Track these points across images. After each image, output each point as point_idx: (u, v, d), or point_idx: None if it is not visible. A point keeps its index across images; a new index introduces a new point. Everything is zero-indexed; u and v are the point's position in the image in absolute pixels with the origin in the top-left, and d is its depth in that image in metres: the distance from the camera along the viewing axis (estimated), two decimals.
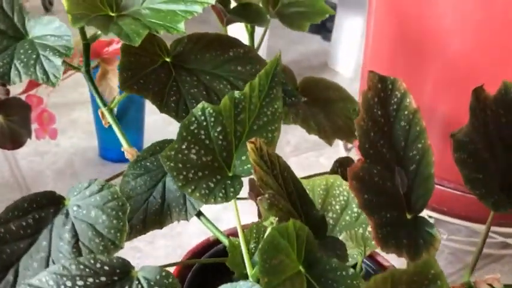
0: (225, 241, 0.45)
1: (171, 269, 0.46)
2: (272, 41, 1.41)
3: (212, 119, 0.41)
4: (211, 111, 0.41)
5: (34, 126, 0.85)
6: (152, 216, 0.48)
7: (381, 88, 0.42)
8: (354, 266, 0.47)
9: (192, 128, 0.40)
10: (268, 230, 0.35)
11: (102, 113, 0.52)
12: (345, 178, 0.58)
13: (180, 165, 0.39)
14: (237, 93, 0.42)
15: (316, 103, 0.57)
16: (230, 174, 0.41)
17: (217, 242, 0.51)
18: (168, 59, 0.50)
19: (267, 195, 0.38)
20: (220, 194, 0.39)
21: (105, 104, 0.51)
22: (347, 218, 0.51)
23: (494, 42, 0.69)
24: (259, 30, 0.59)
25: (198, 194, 0.38)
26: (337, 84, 0.59)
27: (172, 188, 0.48)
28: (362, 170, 0.38)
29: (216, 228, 0.48)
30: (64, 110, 1.22)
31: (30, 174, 1.00)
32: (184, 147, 0.39)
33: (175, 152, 0.39)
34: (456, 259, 0.89)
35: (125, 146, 0.51)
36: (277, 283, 0.32)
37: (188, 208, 0.48)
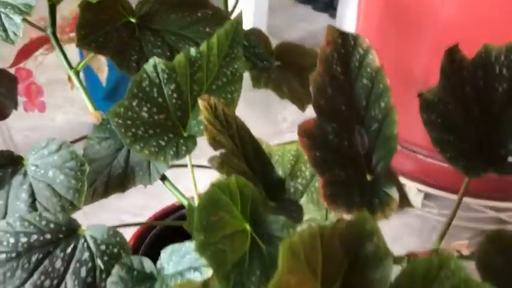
0: (185, 202, 0.44)
1: (132, 231, 0.45)
2: (275, 19, 1.39)
3: (165, 76, 0.40)
4: (163, 67, 0.39)
5: (23, 99, 0.85)
6: (115, 179, 0.47)
7: (342, 44, 0.40)
8: None
9: (143, 85, 0.39)
10: None
11: (69, 76, 0.51)
12: None
13: (129, 122, 0.38)
14: (193, 50, 0.41)
15: (291, 69, 0.56)
16: (185, 134, 0.40)
17: (182, 207, 0.50)
18: (133, 20, 0.48)
19: (219, 153, 0.37)
20: (171, 152, 0.38)
21: (71, 67, 0.51)
22: (316, 184, 0.49)
23: (482, 8, 0.67)
24: None
25: (147, 152, 0.37)
26: (314, 51, 0.58)
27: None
28: (315, 127, 0.37)
29: (179, 192, 0.47)
30: (60, 86, 1.22)
31: (25, 148, 1.00)
32: (135, 104, 0.38)
33: (125, 109, 0.38)
34: (449, 235, 0.87)
35: (90, 108, 0.50)
36: (214, 241, 0.31)
37: (152, 172, 0.47)
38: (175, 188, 0.47)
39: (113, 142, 0.48)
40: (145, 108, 0.39)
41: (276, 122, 1.16)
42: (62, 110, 1.14)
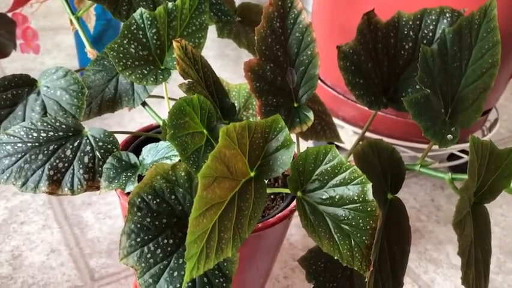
0: (160, 121, 0.59)
1: (119, 138, 0.60)
2: None
3: (148, 22, 0.53)
4: (147, 15, 0.53)
5: (19, 41, 0.97)
6: (107, 102, 0.61)
7: (281, 5, 0.54)
8: None
9: (132, 28, 0.53)
10: None
11: (70, 20, 0.64)
12: None
13: (121, 55, 0.52)
14: (170, 4, 0.54)
15: (249, 24, 0.69)
16: (162, 67, 0.54)
17: (158, 126, 0.65)
18: None
19: (186, 82, 0.51)
20: (152, 79, 0.52)
21: (73, 12, 0.63)
22: None
23: None
24: None
25: (133, 77, 0.51)
26: None
27: (124, 82, 0.61)
28: (257, 65, 0.51)
29: (156, 114, 0.61)
30: (50, 34, 1.33)
31: None
32: (125, 42, 0.52)
33: (118, 45, 0.52)
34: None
35: (87, 47, 0.63)
36: (180, 135, 0.46)
37: (135, 98, 0.61)
38: (153, 111, 0.61)
39: (105, 74, 0.62)
40: (133, 46, 0.53)
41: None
42: (51, 55, 1.25)
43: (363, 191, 0.44)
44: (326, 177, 0.44)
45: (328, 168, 0.44)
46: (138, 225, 0.43)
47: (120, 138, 0.61)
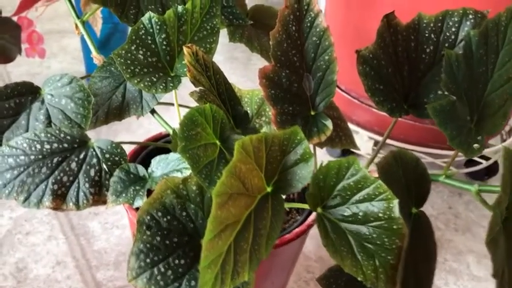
0: (170, 130, 0.56)
1: (127, 148, 0.57)
2: None
3: (157, 27, 0.50)
4: (156, 20, 0.50)
5: (24, 46, 0.95)
6: (114, 110, 0.58)
7: (297, 8, 0.51)
8: None
9: (140, 33, 0.50)
10: None
11: (76, 24, 0.61)
12: None
13: (129, 61, 0.49)
14: (180, 7, 0.52)
15: (261, 27, 0.66)
16: (172, 74, 0.51)
17: (167, 135, 0.62)
18: None
19: (198, 90, 0.48)
20: (161, 86, 0.49)
21: (78, 16, 0.61)
22: None
23: None
24: None
25: (142, 85, 0.49)
26: None
27: (131, 89, 0.58)
28: (272, 72, 0.48)
29: (166, 123, 0.58)
30: (56, 37, 1.31)
31: None
32: (133, 48, 0.49)
33: (125, 52, 0.49)
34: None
35: (93, 53, 0.61)
36: (192, 147, 0.43)
37: (144, 106, 0.58)
38: (163, 119, 0.59)
39: (112, 80, 0.59)
40: (141, 52, 0.50)
41: (255, 77, 1.27)
42: (57, 59, 1.23)
43: (388, 208, 0.41)
44: (348, 193, 0.41)
45: (351, 183, 0.41)
46: (148, 245, 0.40)
47: (128, 148, 0.58)
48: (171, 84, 0.50)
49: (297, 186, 0.40)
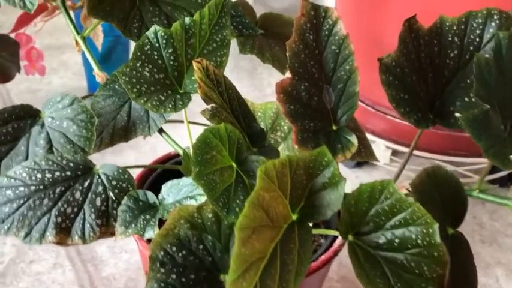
0: (180, 150, 0.52)
1: (134, 173, 0.53)
2: None
3: (164, 41, 0.47)
4: (162, 33, 0.46)
5: (24, 63, 0.91)
6: (119, 131, 0.54)
7: (314, 15, 0.48)
8: None
9: (145, 48, 0.46)
10: None
11: (76, 41, 0.58)
12: None
13: (134, 80, 0.45)
14: (187, 19, 0.48)
15: (273, 36, 0.63)
16: (181, 91, 0.48)
17: (177, 155, 0.58)
18: None
19: (210, 108, 0.44)
20: (170, 106, 0.46)
21: (78, 32, 0.57)
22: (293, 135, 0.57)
23: None
24: None
25: (149, 105, 0.45)
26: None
27: (137, 107, 0.55)
28: (290, 85, 0.44)
29: (175, 143, 0.54)
30: (56, 52, 1.28)
31: None
32: (138, 65, 0.46)
33: (130, 69, 0.45)
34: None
35: (96, 70, 0.57)
36: (208, 172, 0.39)
37: (151, 125, 0.54)
38: (172, 139, 0.55)
39: (116, 99, 0.56)
40: (147, 69, 0.46)
41: (261, 87, 1.23)
42: (57, 74, 1.19)
43: (427, 233, 0.37)
44: (383, 218, 0.37)
45: (385, 207, 0.37)
46: (162, 284, 0.36)
47: (135, 171, 0.54)
48: (181, 103, 0.46)
49: (326, 214, 0.36)
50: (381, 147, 0.88)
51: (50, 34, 1.31)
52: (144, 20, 0.53)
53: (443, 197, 0.43)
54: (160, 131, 0.55)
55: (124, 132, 0.55)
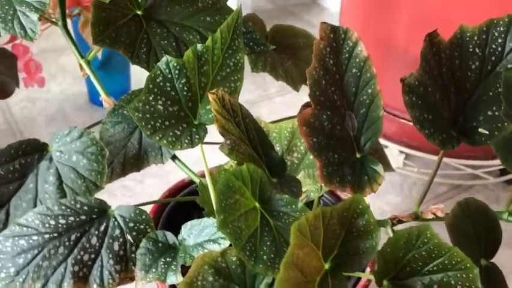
0: (197, 179, 0.50)
1: (148, 206, 0.51)
2: None
3: (176, 72, 0.44)
4: (175, 64, 0.44)
5: (22, 75, 0.88)
6: (130, 160, 0.52)
7: (334, 38, 0.45)
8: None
9: (157, 80, 0.44)
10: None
11: (80, 64, 0.55)
12: None
13: (148, 115, 0.43)
14: (199, 46, 0.45)
15: (284, 50, 0.60)
16: (196, 123, 0.45)
17: (191, 182, 0.56)
18: (139, 12, 0.52)
19: (228, 141, 0.42)
20: (186, 141, 0.43)
21: (82, 56, 0.55)
22: (310, 157, 0.55)
23: None
24: None
25: (165, 141, 0.42)
26: (306, 32, 0.62)
27: None
28: (312, 116, 0.42)
29: (190, 170, 0.52)
30: (53, 56, 1.24)
31: (23, 121, 1.04)
32: (151, 98, 0.43)
33: (143, 104, 0.43)
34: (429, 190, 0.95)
35: (102, 95, 0.54)
36: (232, 219, 0.37)
37: (164, 152, 0.52)
38: (186, 166, 0.53)
39: (126, 126, 0.53)
40: (160, 102, 0.44)
41: (265, 85, 1.21)
42: (56, 80, 1.16)
43: (467, 278, 0.35)
44: (420, 263, 0.35)
45: (423, 253, 0.35)
46: None
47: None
48: (197, 137, 0.44)
49: (361, 263, 0.34)
50: (394, 152, 0.86)
51: (45, 37, 1.27)
52: (152, 44, 0.51)
53: (476, 229, 0.41)
54: (174, 157, 0.53)
55: (136, 160, 0.52)
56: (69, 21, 0.85)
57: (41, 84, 0.90)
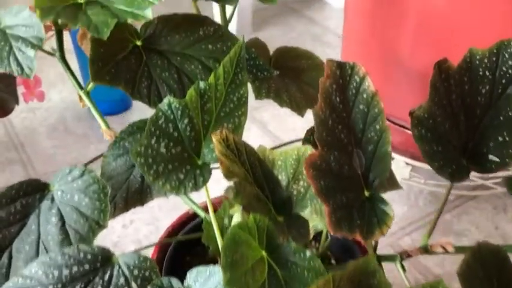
0: (202, 214, 0.49)
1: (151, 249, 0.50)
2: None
3: (179, 112, 0.43)
4: (177, 105, 0.43)
5: (21, 89, 0.87)
6: (133, 194, 0.51)
7: (340, 75, 0.44)
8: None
9: (159, 122, 0.42)
10: (233, 221, 0.39)
11: (79, 95, 0.54)
12: (316, 145, 0.61)
13: (150, 160, 0.42)
14: (202, 84, 0.44)
15: (288, 73, 0.59)
16: (199, 163, 0.44)
17: (195, 214, 0.55)
18: (138, 43, 0.51)
19: (232, 184, 0.41)
20: (190, 184, 0.42)
21: (81, 87, 0.53)
22: None
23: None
24: None
25: (169, 187, 0.41)
26: (309, 53, 0.61)
27: None
28: (319, 158, 0.41)
29: (194, 203, 0.51)
30: (50, 61, 1.22)
31: (24, 132, 1.03)
32: (153, 141, 0.42)
33: (145, 147, 0.42)
34: (435, 199, 0.94)
35: (103, 127, 0.53)
36: (238, 275, 0.36)
37: None
38: (191, 200, 0.52)
39: (128, 158, 0.52)
40: (163, 144, 0.43)
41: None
42: (56, 88, 1.15)
43: None
44: None
45: None
46: None
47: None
48: (201, 179, 0.43)
49: None
50: (400, 164, 0.85)
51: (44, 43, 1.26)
52: (153, 77, 0.49)
53: (489, 276, 0.40)
54: None
55: (139, 195, 0.51)
56: (67, 33, 0.83)
57: (40, 98, 0.89)
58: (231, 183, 0.41)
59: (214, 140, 0.41)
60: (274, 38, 1.35)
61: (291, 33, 1.43)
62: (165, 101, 0.43)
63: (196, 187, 0.43)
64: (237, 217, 0.45)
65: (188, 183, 0.42)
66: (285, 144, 0.57)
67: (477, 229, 0.86)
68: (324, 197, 0.40)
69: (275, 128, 1.09)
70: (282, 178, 0.55)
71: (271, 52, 0.60)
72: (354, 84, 0.44)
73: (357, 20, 0.87)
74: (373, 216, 0.43)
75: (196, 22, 0.52)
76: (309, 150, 0.55)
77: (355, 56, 0.92)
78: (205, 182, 0.43)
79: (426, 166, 0.85)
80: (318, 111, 0.42)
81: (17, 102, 0.82)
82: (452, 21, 0.76)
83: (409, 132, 0.85)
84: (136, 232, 0.80)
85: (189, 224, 0.55)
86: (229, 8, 0.59)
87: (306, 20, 1.52)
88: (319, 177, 0.41)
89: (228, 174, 0.41)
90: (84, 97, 0.53)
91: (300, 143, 0.60)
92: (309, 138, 0.59)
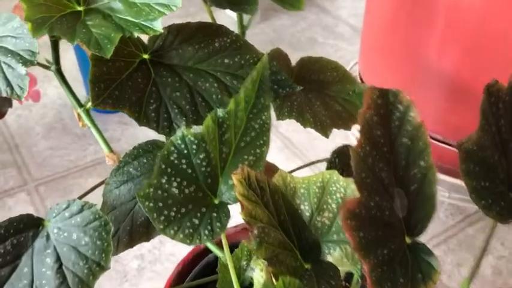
0: (217, 253, 0.44)
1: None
2: None
3: (194, 147, 0.37)
4: (192, 138, 0.37)
5: None
6: (139, 228, 0.46)
7: (381, 104, 0.38)
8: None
9: (171, 158, 0.36)
10: (256, 279, 0.33)
11: (78, 114, 0.48)
12: (342, 169, 0.55)
13: (161, 203, 0.36)
14: (220, 112, 0.38)
15: (311, 87, 0.52)
16: (216, 202, 0.38)
17: (207, 250, 0.49)
18: (145, 56, 0.45)
19: (255, 232, 0.35)
20: (206, 232, 0.36)
21: (81, 105, 0.47)
22: None
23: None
24: None
25: (181, 236, 0.36)
26: (334, 63, 0.54)
27: None
28: (359, 206, 0.35)
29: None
30: (47, 51, 1.16)
31: (19, 132, 0.96)
32: (164, 181, 0.36)
33: (155, 189, 0.36)
34: (457, 210, 0.89)
35: (105, 151, 0.47)
36: None
37: None
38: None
39: (132, 186, 0.46)
40: (175, 184, 0.37)
41: None
42: (52, 82, 1.09)
43: None
44: None
45: None
46: None
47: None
48: (218, 224, 0.37)
49: None
50: None
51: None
52: (163, 98, 0.43)
53: None
54: None
55: (145, 228, 0.46)
56: None
57: (36, 98, 0.83)
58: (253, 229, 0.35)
59: (234, 180, 0.35)
60: (284, 29, 1.27)
61: (301, 23, 1.36)
62: (179, 134, 0.36)
63: (212, 235, 0.37)
64: (260, 275, 0.39)
65: (204, 231, 0.37)
66: (307, 165, 0.51)
67: (502, 245, 0.81)
68: (363, 253, 0.35)
69: (298, 141, 1.02)
70: (305, 208, 0.49)
71: (293, 63, 0.54)
72: (398, 114, 0.38)
73: (379, 13, 0.81)
74: (417, 272, 0.37)
75: (210, 32, 0.46)
76: (335, 176, 0.50)
77: (375, 53, 0.86)
78: (222, 228, 0.37)
79: (450, 179, 0.80)
80: (357, 149, 0.36)
81: (10, 104, 0.76)
82: (487, 20, 0.69)
83: (434, 141, 0.80)
84: (139, 246, 0.75)
85: (202, 259, 0.49)
86: None
87: (317, 9, 1.44)
88: (358, 228, 0.35)
89: (250, 221, 0.35)
90: (84, 116, 0.47)
91: (324, 165, 0.55)
92: (334, 160, 0.54)
